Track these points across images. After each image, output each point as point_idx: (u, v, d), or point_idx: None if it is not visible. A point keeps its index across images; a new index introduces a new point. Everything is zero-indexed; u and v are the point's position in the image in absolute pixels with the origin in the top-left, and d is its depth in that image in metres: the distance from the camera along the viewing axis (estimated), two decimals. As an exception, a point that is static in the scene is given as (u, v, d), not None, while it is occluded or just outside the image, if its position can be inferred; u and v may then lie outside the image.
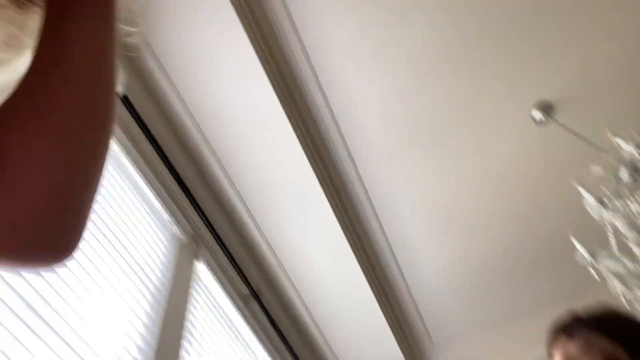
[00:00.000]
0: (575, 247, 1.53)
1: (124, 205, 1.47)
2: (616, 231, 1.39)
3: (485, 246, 2.50)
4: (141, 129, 1.64)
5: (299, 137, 1.86)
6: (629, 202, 1.41)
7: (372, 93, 1.93)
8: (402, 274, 2.56)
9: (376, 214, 2.34)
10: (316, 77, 1.87)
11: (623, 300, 1.37)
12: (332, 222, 2.10)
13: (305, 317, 2.49)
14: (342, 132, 2.01)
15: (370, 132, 2.04)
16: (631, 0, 1.84)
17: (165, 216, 1.68)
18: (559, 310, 2.70)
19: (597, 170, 1.56)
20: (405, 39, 1.82)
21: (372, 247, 2.44)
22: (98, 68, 0.39)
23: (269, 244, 2.22)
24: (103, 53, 0.40)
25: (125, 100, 1.58)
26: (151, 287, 1.46)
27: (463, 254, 2.52)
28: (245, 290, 2.05)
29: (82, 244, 0.38)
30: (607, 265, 1.41)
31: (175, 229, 1.71)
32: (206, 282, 1.84)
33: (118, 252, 1.34)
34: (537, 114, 2.06)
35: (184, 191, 1.79)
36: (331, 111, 1.95)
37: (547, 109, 2.05)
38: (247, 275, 2.09)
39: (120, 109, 1.55)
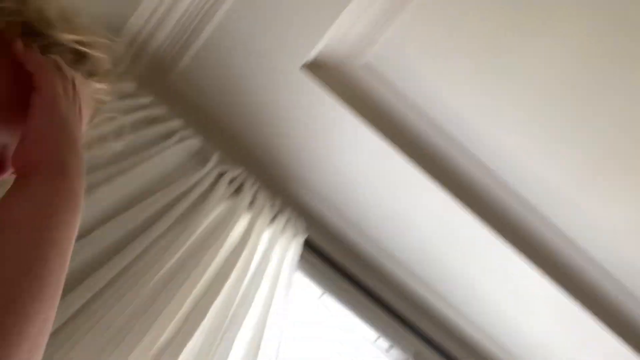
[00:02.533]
0: None
1: (345, 344, 1.47)
2: None
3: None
4: (330, 266, 1.71)
5: (480, 219, 1.76)
6: None
7: (531, 144, 1.80)
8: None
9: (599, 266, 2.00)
10: (474, 158, 1.82)
11: None
12: (552, 294, 1.84)
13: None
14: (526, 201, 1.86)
15: (549, 184, 1.85)
16: None
17: (384, 344, 1.63)
18: None
19: None
20: (547, 63, 1.71)
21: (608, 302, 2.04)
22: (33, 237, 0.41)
23: (493, 339, 2.00)
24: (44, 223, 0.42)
25: (310, 245, 1.68)
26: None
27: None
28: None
29: None
30: None
31: (398, 353, 1.64)
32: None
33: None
34: None
35: (392, 316, 1.75)
36: (511, 189, 1.84)
37: None
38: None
39: (308, 254, 1.66)
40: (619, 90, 1.74)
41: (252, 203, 1.50)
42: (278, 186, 1.83)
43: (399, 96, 1.80)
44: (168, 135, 1.38)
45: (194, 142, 1.52)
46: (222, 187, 1.42)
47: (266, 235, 1.43)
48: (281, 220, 1.54)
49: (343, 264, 1.76)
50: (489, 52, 1.71)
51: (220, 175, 1.49)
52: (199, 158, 1.54)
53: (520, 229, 1.91)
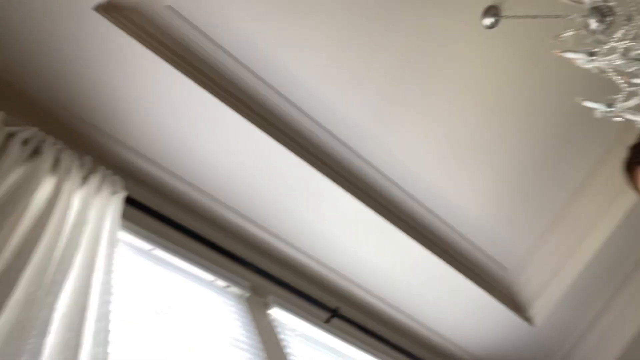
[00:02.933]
0: (589, 108, 1.55)
1: (186, 293, 1.48)
2: (618, 71, 1.42)
3: (502, 158, 2.48)
4: (161, 220, 1.67)
5: (291, 150, 1.89)
6: (612, 43, 1.43)
7: (333, 75, 1.97)
8: (442, 220, 2.53)
9: (391, 180, 2.33)
10: (281, 95, 1.91)
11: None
12: (361, 210, 2.11)
13: (388, 310, 2.48)
14: (321, 124, 2.04)
15: (350, 117, 2.06)
16: None
17: (222, 283, 1.69)
18: (607, 166, 2.69)
19: (568, 33, 1.59)
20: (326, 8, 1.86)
21: (412, 217, 2.44)
22: None
23: (321, 262, 2.24)
24: None
25: (132, 200, 1.60)
26: (248, 350, 1.46)
27: (484, 175, 2.51)
28: (325, 314, 2.05)
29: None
30: (625, 105, 1.43)
31: (236, 290, 1.72)
32: (287, 323, 1.85)
33: (203, 334, 1.35)
34: (487, 21, 2.10)
35: (225, 255, 1.81)
36: (308, 116, 1.99)
37: (494, 11, 2.09)
38: (319, 300, 2.10)
39: (132, 210, 1.58)
40: (401, 23, 2.00)
41: (56, 164, 1.34)
42: (86, 144, 1.67)
43: (205, 37, 1.77)
44: None
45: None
46: (15, 149, 1.24)
47: (79, 196, 1.31)
48: (94, 179, 1.42)
49: (168, 214, 1.74)
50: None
51: (10, 136, 1.29)
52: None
53: (329, 156, 2.12)
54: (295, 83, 1.93)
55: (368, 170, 2.20)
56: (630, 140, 1.91)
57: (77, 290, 0.89)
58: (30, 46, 1.55)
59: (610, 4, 1.44)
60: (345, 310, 2.21)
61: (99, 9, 1.55)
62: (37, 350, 0.70)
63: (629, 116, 1.49)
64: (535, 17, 1.90)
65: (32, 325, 0.73)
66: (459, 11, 2.06)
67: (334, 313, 2.06)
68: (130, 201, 1.57)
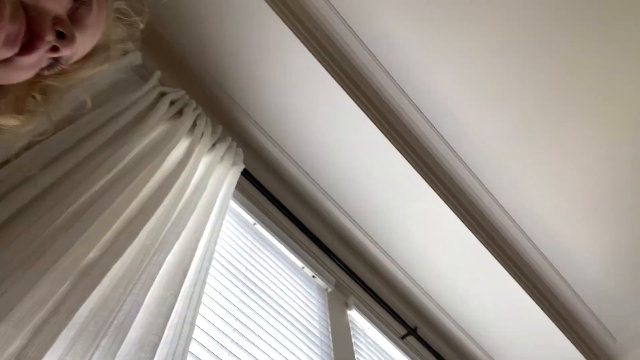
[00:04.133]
0: None
1: (276, 273, 1.55)
2: None
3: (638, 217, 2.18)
4: (267, 197, 1.75)
5: (412, 164, 1.85)
6: None
7: (471, 98, 1.87)
8: (559, 275, 2.33)
9: (514, 221, 2.18)
10: (413, 104, 1.86)
11: None
12: (471, 241, 2.02)
13: (468, 343, 2.35)
14: (463, 159, 1.96)
15: (480, 140, 1.95)
16: None
17: (309, 272, 1.74)
18: None
19: None
20: (495, 27, 1.75)
21: (520, 256, 2.27)
22: None
23: (412, 279, 2.19)
24: None
25: (248, 174, 1.70)
26: (317, 343, 1.49)
27: (616, 237, 2.23)
28: (402, 329, 2.01)
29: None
30: None
31: (320, 282, 1.76)
32: (363, 328, 1.84)
33: (282, 315, 1.40)
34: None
35: (318, 246, 1.85)
36: (438, 133, 1.92)
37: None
38: (400, 314, 2.06)
39: (245, 184, 1.68)
40: (565, 51, 1.82)
41: (192, 127, 1.47)
42: (221, 114, 1.80)
43: (351, 34, 1.77)
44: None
45: (135, 57, 1.44)
46: (163, 108, 1.37)
47: (204, 162, 1.42)
48: (221, 147, 1.53)
49: (277, 195, 1.81)
50: (451, 5, 1.71)
51: (162, 95, 1.44)
52: (140, 75, 1.48)
53: (446, 177, 2.03)
54: (432, 91, 1.87)
55: (484, 197, 2.07)
56: None
57: (182, 252, 0.97)
58: (195, 14, 1.70)
59: None
60: (423, 331, 2.15)
61: (263, -8, 1.63)
62: (139, 303, 0.78)
63: None
64: None
65: (140, 277, 0.81)
66: (631, 53, 1.81)
67: (412, 331, 2.01)
68: (245, 173, 1.67)
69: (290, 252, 1.68)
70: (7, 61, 0.56)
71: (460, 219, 1.98)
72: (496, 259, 2.09)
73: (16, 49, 0.55)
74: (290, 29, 1.66)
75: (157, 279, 0.86)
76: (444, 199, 1.94)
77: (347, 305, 1.80)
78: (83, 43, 0.63)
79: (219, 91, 1.79)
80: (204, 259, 1.04)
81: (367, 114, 1.77)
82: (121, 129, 1.15)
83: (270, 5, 1.64)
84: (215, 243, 1.14)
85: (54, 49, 0.58)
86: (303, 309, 1.55)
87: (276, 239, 1.67)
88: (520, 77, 1.84)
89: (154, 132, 1.30)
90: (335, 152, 1.87)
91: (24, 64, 0.57)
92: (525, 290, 2.17)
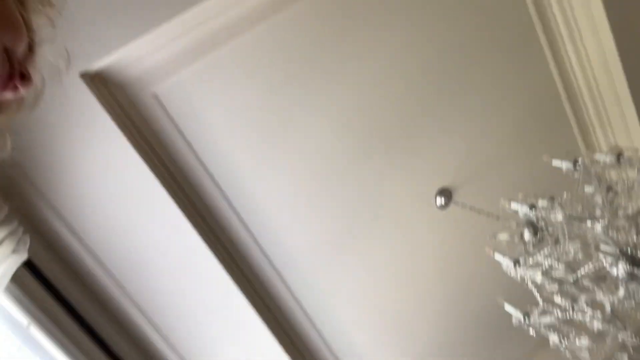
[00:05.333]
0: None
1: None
2: (538, 286, 1.48)
3: (424, 337, 2.48)
4: (52, 295, 1.53)
5: (220, 260, 1.84)
6: (539, 257, 1.53)
7: (286, 206, 2.01)
8: None
9: (313, 325, 2.26)
10: (230, 204, 1.91)
11: (562, 350, 1.42)
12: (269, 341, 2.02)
13: None
14: (264, 250, 2.02)
15: (291, 246, 2.07)
16: (494, 76, 2.18)
17: (90, 387, 1.50)
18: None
19: (503, 236, 1.71)
20: (302, 150, 1.95)
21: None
22: None
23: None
24: None
25: (33, 268, 1.49)
26: None
27: (402, 349, 2.47)
28: None
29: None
30: (540, 321, 1.48)
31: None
32: None
33: None
34: (440, 200, 2.25)
35: (108, 355, 1.64)
36: (250, 233, 1.98)
37: (446, 195, 2.25)
38: None
39: (25, 277, 1.46)
40: (364, 173, 2.10)
41: (-33, 204, 1.27)
42: (11, 191, 1.59)
43: (180, 133, 1.81)
44: None
45: None
46: None
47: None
48: (1, 230, 1.33)
49: (67, 294, 1.60)
50: (272, 117, 1.88)
51: None
52: None
53: (266, 293, 2.06)
54: (254, 204, 1.94)
55: (291, 302, 2.14)
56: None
57: None
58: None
59: (541, 224, 1.57)
60: None
61: (86, 76, 1.60)
62: None
63: (543, 331, 1.53)
64: (479, 212, 2.05)
65: None
66: (417, 185, 2.20)
67: None
68: (29, 265, 1.46)
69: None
70: None
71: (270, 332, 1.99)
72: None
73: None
74: (119, 127, 1.63)
75: None
76: (260, 317, 1.95)
77: None
78: None
79: (18, 171, 1.60)
80: None
81: (192, 224, 1.75)
82: None
83: (100, 102, 1.60)
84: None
85: (14, 88, 0.64)
86: None
87: (55, 345, 1.43)
88: (332, 190, 2.06)
89: None
90: (149, 257, 1.76)
91: None
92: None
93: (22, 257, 1.38)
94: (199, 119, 1.80)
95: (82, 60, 1.56)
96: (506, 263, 1.49)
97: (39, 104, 0.80)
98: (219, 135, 1.83)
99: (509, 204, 1.73)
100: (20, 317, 1.39)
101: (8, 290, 1.36)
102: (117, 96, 1.71)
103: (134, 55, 1.63)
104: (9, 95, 0.64)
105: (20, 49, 0.63)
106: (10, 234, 1.37)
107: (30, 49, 0.67)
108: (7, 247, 1.33)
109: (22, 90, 0.65)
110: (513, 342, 2.55)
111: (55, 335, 1.45)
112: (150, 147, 1.78)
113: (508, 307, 1.59)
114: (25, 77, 0.65)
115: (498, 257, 1.53)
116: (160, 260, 1.77)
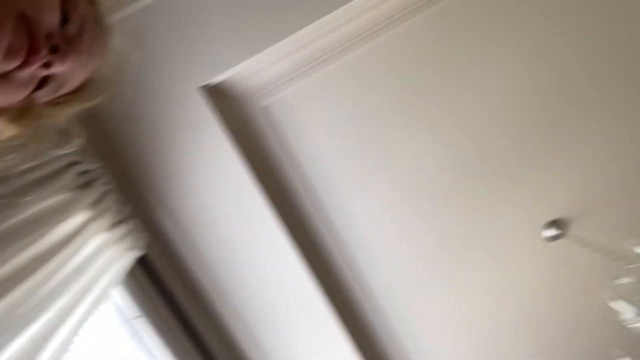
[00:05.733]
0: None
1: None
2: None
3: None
4: (162, 296, 1.65)
5: (314, 276, 1.85)
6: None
7: (384, 225, 1.97)
8: None
9: (398, 343, 2.19)
10: (325, 220, 1.93)
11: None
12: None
13: None
14: (356, 273, 2.00)
15: (385, 265, 2.02)
16: (617, 108, 1.97)
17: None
18: None
19: (626, 280, 1.52)
20: (405, 170, 1.91)
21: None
22: None
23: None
24: None
25: (146, 264, 1.61)
26: None
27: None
28: None
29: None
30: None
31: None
32: None
33: None
34: (548, 233, 2.06)
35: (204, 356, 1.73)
36: (343, 252, 1.97)
37: (557, 226, 2.06)
38: None
39: (139, 272, 1.58)
40: (469, 202, 2.00)
41: (97, 202, 1.41)
42: (134, 195, 1.75)
43: (284, 147, 1.87)
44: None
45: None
46: (68, 177, 1.32)
47: (98, 240, 1.34)
48: (122, 228, 1.46)
49: (173, 293, 1.71)
50: (375, 136, 1.87)
51: (74, 163, 1.39)
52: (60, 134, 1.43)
53: (352, 310, 2.04)
54: (350, 218, 1.94)
55: (379, 325, 2.09)
56: None
57: (32, 338, 0.87)
58: (131, 99, 1.71)
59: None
60: None
61: (204, 88, 1.71)
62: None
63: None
64: (596, 249, 1.85)
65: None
66: (524, 216, 2.04)
67: None
68: (143, 262, 1.58)
69: (172, 356, 1.54)
70: (4, 76, 0.54)
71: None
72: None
73: (17, 62, 0.53)
74: (229, 138, 1.71)
75: (9, 351, 0.75)
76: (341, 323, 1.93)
77: None
78: (77, 68, 0.62)
79: (141, 174, 1.75)
80: (62, 344, 0.93)
81: (289, 238, 1.79)
82: (12, 191, 1.07)
83: (214, 114, 1.70)
84: (77, 330, 1.03)
85: (47, 64, 0.57)
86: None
87: (158, 339, 1.53)
88: (431, 219, 1.98)
89: (52, 198, 1.23)
90: (249, 270, 1.83)
91: (20, 78, 0.55)
92: None
93: (138, 253, 1.50)
94: (302, 132, 1.85)
95: (202, 74, 1.67)
96: (631, 313, 1.31)
97: (106, 96, 0.73)
98: (320, 149, 1.86)
99: (635, 246, 1.54)
100: (131, 309, 1.51)
101: (124, 284, 1.49)
102: (229, 108, 1.81)
103: (251, 69, 1.72)
104: (42, 72, 0.57)
105: (48, 19, 0.55)
106: (130, 231, 1.50)
107: (81, 27, 0.60)
108: (126, 243, 1.46)
109: (57, 67, 0.57)
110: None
111: (160, 328, 1.56)
112: (255, 158, 1.85)
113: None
114: (59, 51, 0.56)
115: (620, 305, 1.35)
116: (257, 269, 1.83)
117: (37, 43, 0.54)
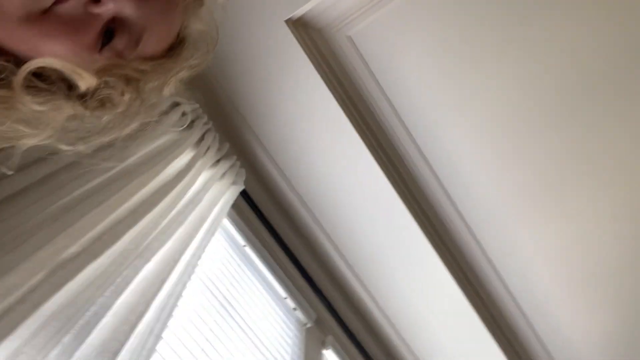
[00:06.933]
0: None
1: (257, 300, 1.53)
2: None
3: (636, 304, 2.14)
4: (261, 221, 1.75)
5: (410, 210, 1.84)
6: None
7: (480, 157, 1.88)
8: (539, 341, 2.26)
9: (501, 279, 2.15)
10: (420, 152, 1.88)
11: None
12: (465, 309, 2.00)
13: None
14: (454, 201, 1.95)
15: (484, 199, 1.95)
16: None
17: (291, 304, 1.71)
18: None
19: None
20: (502, 98, 1.77)
21: (500, 312, 2.22)
22: None
23: (393, 324, 2.15)
24: None
25: (246, 195, 1.71)
26: (285, 378, 1.46)
27: (608, 316, 2.18)
28: (375, 377, 1.96)
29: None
30: None
31: (301, 316, 1.73)
32: (336, 370, 1.80)
33: (254, 344, 1.38)
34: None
35: (305, 278, 1.83)
36: (440, 183, 1.92)
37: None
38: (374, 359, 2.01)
39: (242, 204, 1.69)
40: (567, 130, 1.83)
41: (200, 141, 1.49)
42: (230, 132, 1.83)
43: (370, 75, 1.81)
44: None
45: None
46: (174, 117, 1.40)
47: (204, 176, 1.43)
48: (224, 165, 1.55)
49: (272, 221, 1.81)
50: (470, 61, 1.74)
51: (176, 105, 1.46)
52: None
53: (449, 238, 2.02)
54: (446, 153, 1.87)
55: (483, 262, 2.06)
56: None
57: (163, 262, 0.97)
58: (226, 34, 1.74)
59: None
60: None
61: (289, 22, 1.68)
62: (108, 306, 0.77)
63: None
64: None
65: (115, 280, 0.81)
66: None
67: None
68: (244, 194, 1.68)
69: (276, 279, 1.66)
70: (47, 14, 0.46)
71: (459, 286, 1.96)
72: (488, 330, 2.05)
73: None
74: (317, 71, 1.69)
75: (132, 285, 0.85)
76: (447, 266, 1.93)
77: (323, 344, 1.76)
78: (152, 16, 0.51)
79: (234, 111, 1.81)
80: (184, 273, 1.04)
81: (382, 168, 1.78)
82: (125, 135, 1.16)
83: (302, 47, 1.68)
84: (199, 258, 1.14)
85: (96, 0, 0.47)
86: (278, 341, 1.53)
87: (263, 265, 1.65)
88: (539, 143, 1.85)
89: (161, 139, 1.32)
90: (342, 196, 1.87)
91: (68, 15, 0.46)
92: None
93: (240, 187, 1.59)
94: (391, 61, 1.77)
95: (286, 7, 1.64)
96: None
97: (206, 58, 0.63)
98: (410, 78, 1.77)
99: None
100: (238, 238, 1.63)
101: (229, 215, 1.59)
102: (316, 40, 1.78)
103: (332, -1, 1.65)
104: (93, 8, 0.47)
105: None
106: (231, 167, 1.59)
107: None
108: (229, 178, 1.55)
109: (111, 4, 0.47)
110: None
111: (263, 255, 1.67)
112: (344, 89, 1.82)
113: None
114: None
115: None
116: (350, 198, 1.86)
117: None
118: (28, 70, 0.47)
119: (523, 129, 1.82)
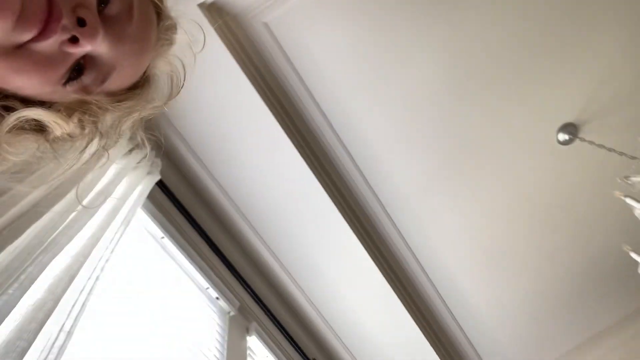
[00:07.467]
0: (635, 261, 1.47)
1: (177, 292, 1.50)
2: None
3: (534, 277, 2.40)
4: (181, 212, 1.71)
5: (327, 192, 1.90)
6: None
7: (388, 139, 1.98)
8: (454, 318, 2.46)
9: (417, 260, 2.29)
10: (337, 136, 1.93)
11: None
12: (380, 282, 2.09)
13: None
14: (369, 183, 2.04)
15: (395, 180, 2.06)
16: (632, 13, 1.88)
17: (213, 294, 1.70)
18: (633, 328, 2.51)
19: (638, 179, 1.53)
20: (418, 78, 1.88)
21: (418, 293, 2.37)
22: None
23: (318, 309, 2.21)
24: None
25: (163, 185, 1.66)
26: (209, 367, 1.45)
27: (510, 288, 2.42)
28: (300, 359, 2.01)
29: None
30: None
31: (224, 304, 1.72)
32: (261, 356, 1.81)
33: (176, 336, 1.35)
34: (563, 136, 2.06)
35: (227, 267, 1.82)
36: (356, 165, 1.99)
37: (571, 129, 2.05)
38: (300, 345, 2.05)
39: (159, 195, 1.63)
40: (471, 112, 1.99)
41: (112, 129, 1.42)
42: (145, 122, 1.75)
43: (287, 62, 1.82)
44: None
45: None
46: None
47: (116, 166, 1.36)
48: (138, 155, 1.48)
49: (191, 210, 1.78)
50: (382, 53, 1.82)
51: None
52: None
53: (365, 218, 2.11)
54: (360, 136, 1.94)
55: (396, 238, 2.17)
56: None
57: (72, 257, 0.92)
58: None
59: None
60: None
61: (203, 6, 1.64)
62: (11, 304, 0.72)
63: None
64: (610, 150, 1.85)
65: (18, 277, 0.76)
66: (538, 119, 2.03)
67: (311, 363, 2.01)
68: (161, 185, 1.62)
69: (197, 270, 1.63)
70: (21, 49, 0.45)
71: (373, 260, 2.05)
72: (403, 304, 2.17)
73: (33, 31, 0.44)
74: (234, 57, 1.68)
75: (38, 281, 0.80)
76: (360, 239, 2.00)
77: (247, 331, 1.77)
78: (122, 55, 0.51)
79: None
80: (95, 267, 0.99)
81: (300, 153, 1.81)
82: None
83: (217, 32, 1.65)
84: (112, 251, 1.09)
85: (73, 40, 0.46)
86: (202, 331, 1.51)
87: (183, 256, 1.62)
88: (443, 126, 1.98)
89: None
90: (263, 182, 1.87)
91: (42, 53, 0.45)
92: (424, 334, 2.27)
93: (156, 177, 1.53)
94: (308, 49, 1.79)
95: (198, -10, 1.60)
96: (640, 209, 1.35)
97: (170, 99, 0.63)
98: (326, 64, 1.82)
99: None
100: (156, 230, 1.57)
101: (145, 206, 1.53)
102: (231, 25, 1.75)
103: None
104: (68, 47, 0.46)
105: None
106: (146, 157, 1.52)
107: (129, 9, 0.51)
108: (144, 168, 1.49)
109: (87, 45, 0.46)
110: (619, 297, 2.39)
111: (183, 246, 1.64)
112: (261, 75, 1.82)
113: (635, 256, 1.46)
114: (86, 25, 0.46)
115: (631, 201, 1.38)
116: (270, 183, 1.87)
117: (57, 10, 0.45)
118: (16, 117, 0.49)
119: (435, 114, 1.94)
